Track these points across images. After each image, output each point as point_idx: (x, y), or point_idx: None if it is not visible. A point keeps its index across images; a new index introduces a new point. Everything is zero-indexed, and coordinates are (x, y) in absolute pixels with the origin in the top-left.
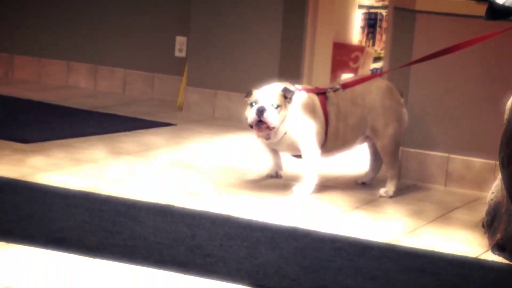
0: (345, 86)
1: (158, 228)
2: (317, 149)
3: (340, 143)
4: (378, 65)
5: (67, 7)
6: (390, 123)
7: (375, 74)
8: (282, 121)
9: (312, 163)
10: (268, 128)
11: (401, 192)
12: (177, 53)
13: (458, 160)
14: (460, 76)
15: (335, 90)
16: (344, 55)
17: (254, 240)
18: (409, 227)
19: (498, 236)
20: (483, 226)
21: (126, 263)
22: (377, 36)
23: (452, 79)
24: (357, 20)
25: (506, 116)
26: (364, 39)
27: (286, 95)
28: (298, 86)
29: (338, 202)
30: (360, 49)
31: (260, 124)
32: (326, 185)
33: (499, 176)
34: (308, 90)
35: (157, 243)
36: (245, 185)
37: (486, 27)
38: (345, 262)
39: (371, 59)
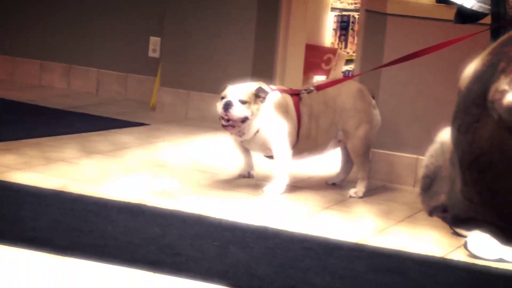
0: (319, 87)
1: (129, 227)
2: (288, 149)
3: (312, 145)
4: (350, 67)
5: (40, 6)
6: (360, 125)
7: (348, 76)
8: (253, 117)
9: (283, 163)
10: (233, 125)
11: (370, 192)
12: (151, 54)
13: None
14: (429, 79)
15: (309, 92)
16: (316, 57)
17: (225, 240)
18: (378, 227)
19: (443, 197)
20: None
21: (97, 262)
22: (350, 39)
23: (422, 82)
24: (329, 22)
25: (464, 84)
26: (337, 42)
27: (260, 94)
28: (273, 87)
29: (308, 202)
30: (333, 51)
31: (226, 124)
32: (297, 186)
33: (439, 139)
34: (282, 91)
35: (128, 242)
36: (216, 185)
37: (456, 30)
38: (314, 262)
39: (343, 61)
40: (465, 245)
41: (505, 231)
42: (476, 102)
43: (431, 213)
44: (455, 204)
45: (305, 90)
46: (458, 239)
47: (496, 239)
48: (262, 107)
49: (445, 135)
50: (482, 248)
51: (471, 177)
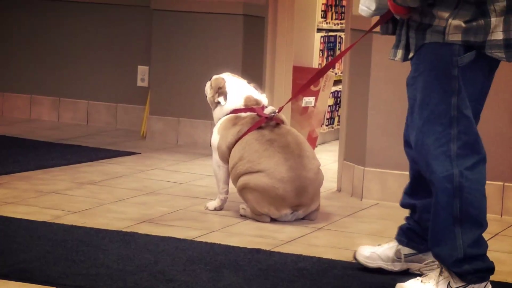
0: (280, 109)
1: (121, 255)
2: (217, 161)
3: (233, 174)
4: (339, 87)
5: (27, 41)
6: None
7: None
8: (210, 104)
9: (214, 174)
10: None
11: (363, 211)
12: (139, 83)
13: None
14: None
15: (272, 117)
16: (304, 78)
17: (217, 264)
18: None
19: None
20: None
21: None
22: None
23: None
24: (316, 43)
25: None
26: (324, 62)
27: (220, 92)
28: (265, 101)
29: (301, 222)
30: None
31: None
32: None
33: None
34: (258, 111)
35: (120, 270)
36: (207, 210)
37: None
38: (308, 282)
39: (332, 82)
40: None
41: None
42: None
43: None
44: None
45: (270, 115)
46: None
47: None
48: (217, 103)
49: None
50: None
51: None
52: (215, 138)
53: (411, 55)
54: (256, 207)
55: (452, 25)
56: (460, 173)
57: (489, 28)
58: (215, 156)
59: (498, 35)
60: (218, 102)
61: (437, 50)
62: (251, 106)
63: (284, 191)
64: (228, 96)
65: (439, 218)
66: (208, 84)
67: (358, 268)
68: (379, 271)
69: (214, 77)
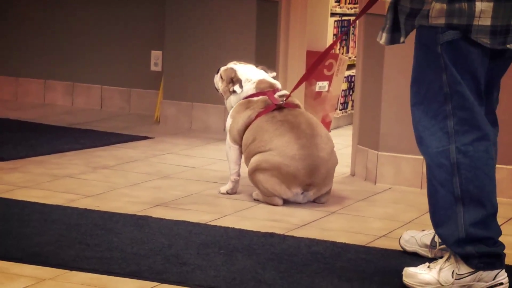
0: (287, 97)
1: (135, 239)
2: (230, 144)
3: (245, 155)
4: (352, 72)
5: (42, 26)
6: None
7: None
8: (222, 94)
9: (227, 157)
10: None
11: (377, 195)
12: (153, 67)
13: None
14: None
15: (282, 102)
16: None
17: (231, 248)
18: (385, 229)
19: None
20: None
21: (103, 274)
22: (351, 43)
23: None
24: (330, 28)
25: None
26: (338, 47)
27: (233, 81)
28: (278, 84)
29: (315, 206)
30: (334, 56)
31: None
32: None
33: None
34: (269, 95)
35: (134, 253)
36: (221, 194)
37: None
38: (321, 266)
39: (345, 66)
40: None
41: None
42: None
43: None
44: None
45: (281, 99)
46: None
47: None
48: (230, 92)
49: None
50: None
51: None
52: (229, 122)
53: (402, 39)
54: (267, 187)
55: (435, 9)
56: (457, 149)
57: (473, 12)
58: (228, 138)
59: (486, 21)
60: (234, 91)
61: (424, 31)
62: (263, 89)
63: (296, 169)
64: (242, 83)
65: (438, 196)
66: (217, 77)
67: (371, 252)
68: (398, 255)
69: (222, 68)
